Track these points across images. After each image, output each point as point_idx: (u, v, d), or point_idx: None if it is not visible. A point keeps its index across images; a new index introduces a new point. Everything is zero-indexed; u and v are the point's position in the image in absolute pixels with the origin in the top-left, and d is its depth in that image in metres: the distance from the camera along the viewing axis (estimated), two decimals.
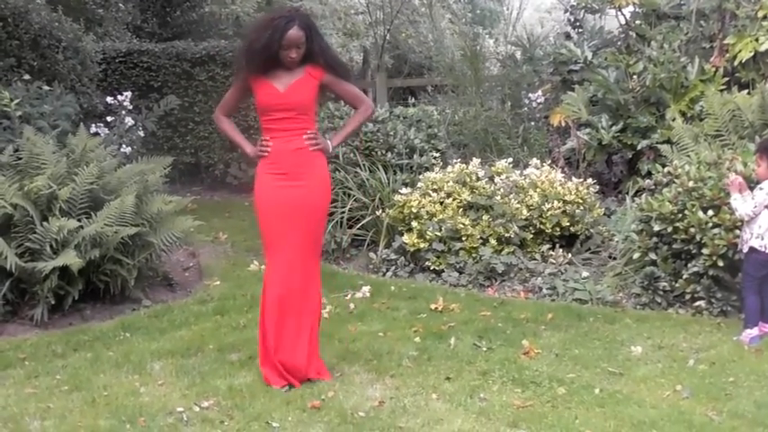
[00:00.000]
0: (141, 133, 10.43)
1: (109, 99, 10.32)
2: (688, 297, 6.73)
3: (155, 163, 8.23)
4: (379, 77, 15.38)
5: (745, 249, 6.06)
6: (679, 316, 6.67)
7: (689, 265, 6.68)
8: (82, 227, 6.91)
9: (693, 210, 6.57)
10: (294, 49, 5.15)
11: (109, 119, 10.06)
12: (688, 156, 7.84)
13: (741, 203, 5.97)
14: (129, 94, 10.39)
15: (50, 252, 6.79)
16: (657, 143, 8.90)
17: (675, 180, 6.93)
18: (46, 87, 8.81)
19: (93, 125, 9.62)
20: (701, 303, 6.65)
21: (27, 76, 8.94)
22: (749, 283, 6.07)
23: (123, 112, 10.18)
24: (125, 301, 7.37)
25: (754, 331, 5.99)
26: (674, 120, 8.86)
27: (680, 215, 6.66)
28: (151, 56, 13.37)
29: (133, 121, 10.19)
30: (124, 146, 9.61)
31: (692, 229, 6.54)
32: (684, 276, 6.69)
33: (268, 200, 5.32)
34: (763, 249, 5.95)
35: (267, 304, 5.32)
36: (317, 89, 5.33)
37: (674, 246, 6.76)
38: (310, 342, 5.38)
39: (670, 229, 6.72)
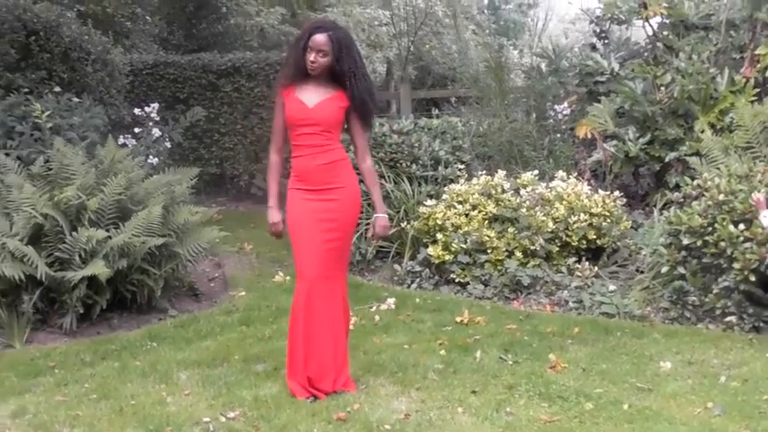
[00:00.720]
0: (168, 144, 10.49)
1: (136, 110, 10.38)
2: (718, 312, 6.65)
3: (181, 174, 8.29)
4: (403, 89, 15.40)
5: None
6: (709, 331, 6.60)
7: (719, 279, 6.63)
8: (110, 237, 6.96)
9: (724, 223, 6.52)
10: (315, 53, 5.18)
11: (136, 130, 10.13)
12: (718, 168, 7.77)
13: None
14: (155, 105, 10.46)
15: (79, 262, 6.85)
16: (686, 155, 8.84)
17: (705, 193, 6.89)
18: (75, 99, 8.87)
19: (121, 136, 9.69)
20: (732, 319, 6.57)
21: (57, 89, 9.00)
22: None
23: (150, 124, 10.24)
24: (152, 311, 7.42)
25: None
26: (702, 132, 8.78)
27: (710, 229, 6.62)
28: (177, 68, 13.45)
29: (160, 133, 10.25)
30: (151, 157, 9.66)
31: (723, 243, 6.50)
32: (714, 291, 6.64)
33: (297, 215, 5.34)
34: None
35: (296, 318, 5.33)
36: (344, 113, 5.34)
37: (704, 260, 6.72)
38: (340, 355, 5.40)
39: (699, 243, 6.67)
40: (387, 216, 5.58)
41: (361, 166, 5.52)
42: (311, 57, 5.18)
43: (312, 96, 5.28)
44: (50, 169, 7.44)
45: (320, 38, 5.17)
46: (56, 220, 6.89)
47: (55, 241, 6.92)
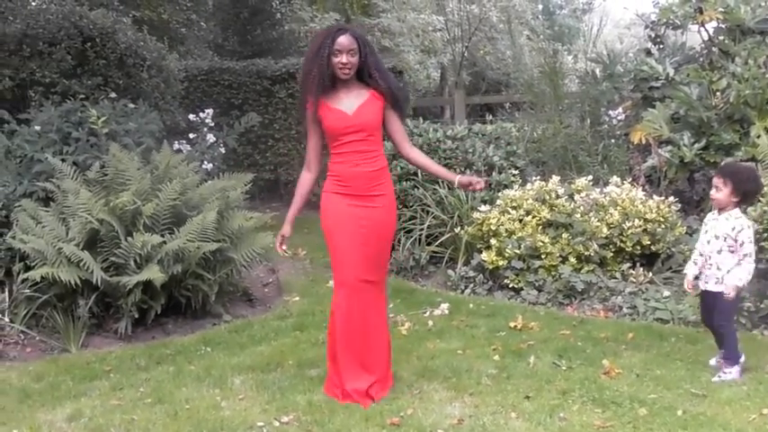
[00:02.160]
0: (222, 150, 10.56)
1: (191, 116, 10.47)
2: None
3: (235, 179, 8.34)
4: (458, 94, 15.39)
5: (720, 288, 5.63)
6: (764, 337, 6.53)
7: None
8: (165, 242, 7.03)
9: None
10: (345, 54, 5.14)
11: (191, 136, 10.21)
12: None
13: (744, 273, 5.54)
14: (210, 111, 10.54)
15: (134, 267, 6.93)
16: (741, 161, 8.74)
17: (761, 199, 6.82)
18: (131, 105, 8.98)
19: (176, 142, 9.79)
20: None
21: (113, 95, 9.12)
22: (731, 318, 5.79)
23: (205, 129, 10.32)
24: (206, 316, 7.48)
25: (739, 365, 5.67)
26: (758, 137, 8.69)
27: (765, 234, 6.55)
28: (232, 74, 13.57)
29: (214, 138, 10.33)
30: (206, 162, 9.74)
31: None
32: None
33: (340, 220, 5.31)
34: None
35: (338, 328, 5.36)
36: (382, 111, 5.33)
37: (760, 266, 6.64)
38: (383, 363, 5.44)
39: (756, 249, 6.60)
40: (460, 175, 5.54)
41: (411, 153, 5.54)
42: (342, 59, 5.15)
43: (348, 103, 5.25)
44: (106, 175, 7.53)
45: (346, 39, 5.15)
46: (111, 225, 6.97)
47: (110, 246, 7.01)
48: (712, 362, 5.85)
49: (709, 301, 5.72)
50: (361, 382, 5.33)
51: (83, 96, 8.87)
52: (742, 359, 5.71)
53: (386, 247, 5.46)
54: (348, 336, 5.32)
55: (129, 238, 6.93)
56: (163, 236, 7.11)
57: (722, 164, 6.39)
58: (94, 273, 6.73)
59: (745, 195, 5.60)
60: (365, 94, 5.29)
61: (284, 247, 5.57)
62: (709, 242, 5.64)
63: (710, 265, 5.65)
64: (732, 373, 5.63)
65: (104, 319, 7.15)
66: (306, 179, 5.52)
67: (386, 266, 5.53)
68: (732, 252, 5.54)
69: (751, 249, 5.55)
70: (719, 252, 5.58)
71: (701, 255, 5.71)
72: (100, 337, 7.01)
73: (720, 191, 5.58)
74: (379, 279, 5.39)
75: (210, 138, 10.25)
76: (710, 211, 5.81)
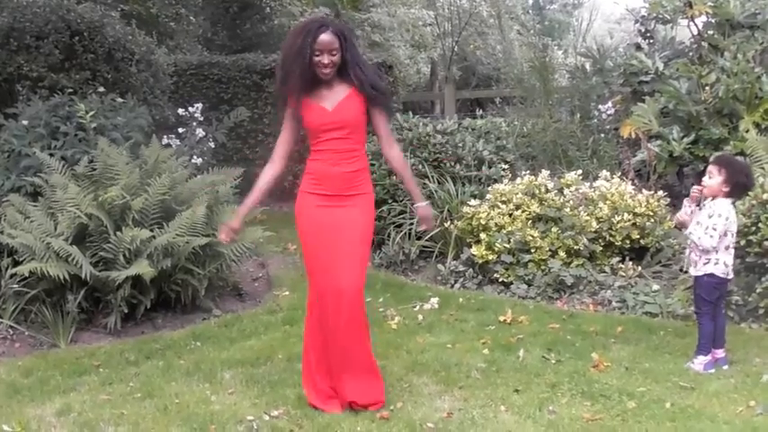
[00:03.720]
0: (212, 144, 10.56)
1: (180, 111, 10.46)
2: (762, 311, 6.59)
3: (225, 174, 8.33)
4: (447, 89, 15.40)
5: (699, 273, 5.71)
6: (752, 331, 6.54)
7: (762, 279, 6.57)
8: (154, 237, 7.02)
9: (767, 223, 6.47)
10: (326, 54, 4.89)
11: (180, 130, 10.21)
12: (762, 168, 7.70)
13: (706, 239, 5.58)
14: (199, 105, 10.54)
15: (124, 261, 6.91)
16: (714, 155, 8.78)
17: (749, 193, 6.84)
18: (119, 99, 8.95)
19: (165, 136, 9.77)
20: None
21: (101, 89, 9.09)
22: (705, 308, 5.76)
23: (194, 124, 10.32)
24: (196, 311, 7.47)
25: (708, 358, 5.71)
26: (747, 131, 8.71)
27: (753, 228, 6.56)
28: (221, 68, 13.54)
29: (204, 133, 10.33)
30: (195, 157, 9.73)
31: (766, 243, 6.44)
32: (758, 290, 6.57)
33: (312, 221, 5.10)
34: (717, 273, 5.68)
35: (311, 330, 5.20)
36: (364, 107, 5.09)
37: (747, 259, 6.66)
38: (368, 365, 5.21)
39: (743, 243, 6.60)
40: (426, 204, 5.40)
41: (390, 153, 5.24)
42: (324, 60, 4.90)
43: (329, 99, 5.03)
44: (95, 169, 7.50)
45: (327, 37, 4.89)
46: (100, 219, 6.95)
47: (99, 241, 6.99)
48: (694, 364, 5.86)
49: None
50: (324, 388, 5.21)
51: (71, 91, 8.84)
52: (720, 354, 5.77)
53: (361, 249, 5.12)
54: (325, 342, 5.12)
55: (118, 233, 6.90)
56: (152, 230, 7.10)
57: (718, 154, 6.41)
58: (83, 267, 6.72)
59: (735, 187, 5.63)
60: (346, 89, 5.05)
61: (227, 239, 5.41)
62: (690, 233, 5.72)
63: (690, 248, 5.80)
64: (695, 363, 5.71)
65: (93, 314, 7.14)
66: (267, 173, 5.27)
67: (364, 269, 5.17)
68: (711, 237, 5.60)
69: (721, 229, 5.60)
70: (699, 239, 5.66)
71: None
72: (89, 333, 7.00)
73: (713, 178, 5.63)
74: (357, 282, 5.06)
75: (200, 132, 10.24)
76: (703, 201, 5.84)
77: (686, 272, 5.98)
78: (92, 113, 8.12)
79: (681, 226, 6.12)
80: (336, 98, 5.04)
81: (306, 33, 4.93)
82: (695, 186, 5.87)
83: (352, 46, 5.05)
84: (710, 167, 5.71)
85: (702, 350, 5.74)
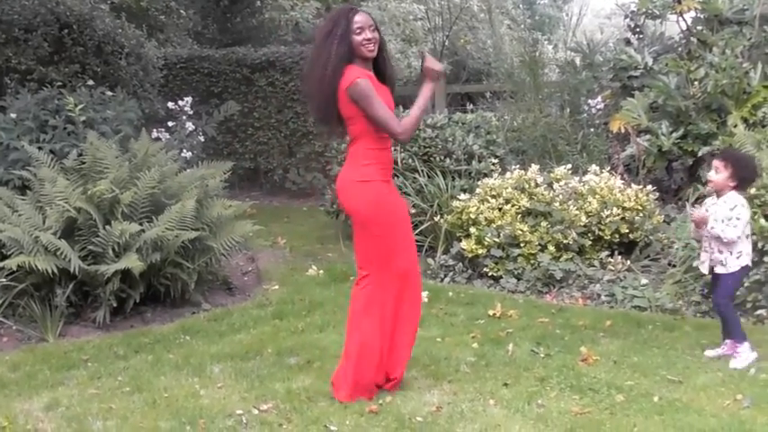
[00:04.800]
0: (202, 138, 10.53)
1: (170, 104, 10.43)
2: (749, 305, 6.62)
3: (215, 168, 8.30)
4: (438, 83, 15.36)
5: (734, 269, 5.67)
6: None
7: (750, 273, 6.59)
8: (143, 231, 7.00)
9: (755, 217, 6.48)
10: (369, 31, 4.89)
11: (170, 124, 10.17)
12: None
13: (729, 230, 5.55)
14: (189, 99, 10.50)
15: (113, 255, 6.88)
16: (718, 150, 8.79)
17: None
18: (109, 93, 8.93)
19: (155, 130, 9.74)
20: (763, 312, 6.54)
21: (91, 82, 9.07)
22: (730, 302, 5.80)
23: (184, 118, 10.28)
24: (185, 305, 7.45)
25: (747, 342, 5.71)
26: (735, 126, 8.74)
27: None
28: (211, 62, 13.52)
29: (194, 127, 10.29)
30: (185, 151, 9.70)
31: (754, 237, 6.46)
32: (746, 284, 6.58)
33: (396, 207, 5.15)
34: (748, 262, 5.70)
35: (383, 321, 5.15)
36: None
37: None
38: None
39: None
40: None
41: (404, 120, 5.04)
42: (368, 35, 4.89)
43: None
44: (84, 163, 7.48)
45: (364, 16, 4.92)
46: (89, 213, 6.93)
47: (88, 235, 6.97)
48: (711, 353, 5.85)
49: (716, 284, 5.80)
50: (401, 370, 5.32)
51: (60, 84, 8.82)
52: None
53: None
54: (385, 332, 5.16)
55: (108, 227, 6.88)
56: (141, 224, 7.08)
57: (723, 148, 6.40)
58: (72, 261, 6.69)
59: (741, 181, 5.66)
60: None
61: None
62: (712, 228, 5.63)
63: (712, 249, 5.71)
64: (744, 351, 5.68)
65: (82, 308, 7.10)
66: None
67: None
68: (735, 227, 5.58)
69: (743, 226, 5.60)
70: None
71: (707, 242, 5.76)
72: (78, 327, 6.97)
73: (720, 173, 5.63)
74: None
75: (189, 126, 10.21)
76: (702, 197, 5.85)
77: (706, 274, 5.88)
78: (81, 107, 8.10)
79: (697, 238, 6.07)
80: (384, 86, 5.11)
81: (338, 18, 4.95)
82: (695, 213, 5.80)
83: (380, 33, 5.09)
84: (716, 162, 5.69)
85: (741, 338, 5.71)
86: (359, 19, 4.89)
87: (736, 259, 5.65)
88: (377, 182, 5.04)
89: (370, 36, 4.91)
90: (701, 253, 5.85)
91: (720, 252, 5.67)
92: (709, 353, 5.84)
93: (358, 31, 4.88)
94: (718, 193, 5.70)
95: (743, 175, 5.64)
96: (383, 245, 5.07)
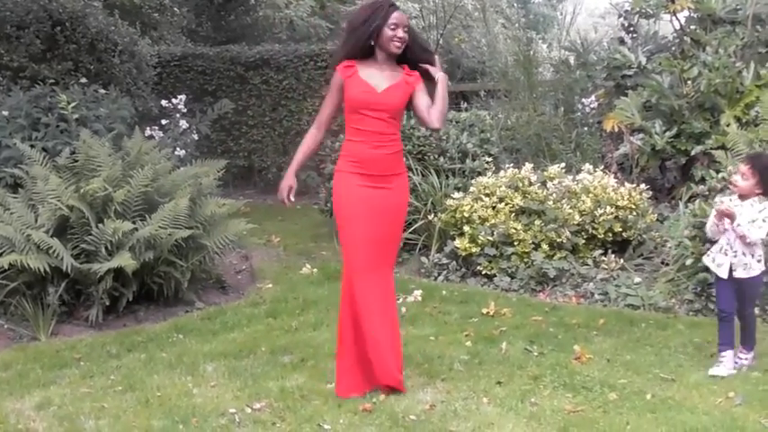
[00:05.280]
0: (195, 136, 10.53)
1: (164, 102, 10.43)
2: None
3: (208, 166, 8.29)
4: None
5: (757, 272, 5.59)
6: None
7: None
8: (136, 229, 6.98)
9: None
10: (401, 29, 5.04)
11: (163, 122, 10.17)
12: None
13: (755, 230, 5.45)
14: (183, 97, 10.50)
15: (105, 254, 6.87)
16: (712, 149, 8.79)
17: (730, 186, 6.85)
18: (102, 91, 8.92)
19: (148, 128, 9.73)
20: (755, 310, 6.54)
21: (84, 80, 9.06)
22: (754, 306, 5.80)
23: (178, 116, 10.28)
24: (178, 303, 7.44)
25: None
26: (728, 125, 8.75)
27: None
28: (205, 59, 13.53)
29: (187, 125, 10.29)
30: (178, 149, 9.70)
31: None
32: None
33: (353, 202, 5.17)
34: (760, 272, 5.61)
35: (346, 313, 5.21)
36: (407, 98, 5.18)
37: None
38: (396, 349, 5.27)
39: None
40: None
41: (431, 112, 5.16)
42: (398, 33, 5.05)
43: (380, 81, 5.12)
44: (76, 161, 7.46)
45: (401, 15, 5.07)
46: (82, 211, 6.91)
47: (81, 233, 6.95)
48: (728, 365, 5.65)
49: (738, 288, 5.61)
50: (379, 369, 5.20)
51: (52, 81, 8.80)
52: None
53: (397, 230, 5.33)
54: (358, 324, 5.17)
55: (100, 225, 6.87)
56: (134, 222, 7.06)
57: (752, 153, 6.32)
58: (64, 260, 6.68)
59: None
60: (398, 76, 5.16)
61: (291, 198, 5.33)
62: (738, 225, 5.50)
63: (735, 252, 5.57)
64: (748, 358, 5.66)
65: (75, 307, 7.09)
66: (312, 135, 5.35)
67: (395, 252, 5.38)
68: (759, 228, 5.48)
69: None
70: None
71: (728, 243, 5.61)
72: (70, 325, 6.95)
73: (747, 180, 5.50)
74: (389, 264, 5.27)
75: (183, 124, 10.20)
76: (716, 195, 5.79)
77: (730, 277, 5.78)
78: (74, 104, 8.09)
79: (713, 237, 6.00)
80: (387, 82, 5.14)
81: (378, 9, 5.09)
82: (722, 206, 5.60)
83: (414, 32, 5.25)
84: (743, 168, 5.55)
85: (752, 344, 5.70)
86: (396, 16, 5.06)
87: (758, 262, 5.57)
88: (344, 173, 5.20)
89: (402, 35, 5.07)
90: (718, 255, 5.66)
91: (744, 255, 5.55)
92: (727, 366, 5.64)
93: (393, 27, 5.06)
94: (742, 197, 5.58)
95: None
96: (341, 237, 5.28)
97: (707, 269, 6.65)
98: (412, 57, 5.22)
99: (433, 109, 5.17)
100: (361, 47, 5.11)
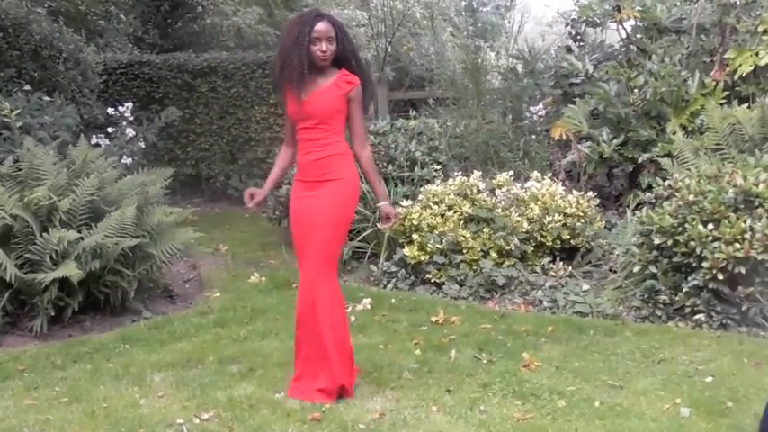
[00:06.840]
0: (142, 144, 10.45)
1: (110, 110, 10.33)
2: (688, 310, 6.70)
3: (155, 174, 8.23)
4: (381, 90, 15.38)
5: None
6: (679, 329, 6.62)
7: (689, 278, 6.67)
8: (82, 238, 6.90)
9: (694, 223, 6.56)
10: (324, 42, 5.02)
11: (110, 130, 10.07)
12: (688, 169, 7.84)
13: None
14: (129, 105, 10.41)
15: (50, 263, 6.78)
16: (658, 157, 8.91)
17: (676, 194, 6.94)
18: (46, 98, 8.82)
19: (94, 136, 9.64)
20: (701, 317, 6.61)
21: (27, 87, 8.95)
22: None
23: (124, 124, 10.20)
24: (125, 313, 7.36)
25: None
26: (674, 133, 8.86)
27: (680, 228, 6.66)
28: (152, 67, 13.42)
29: (134, 133, 10.21)
30: (125, 157, 9.61)
31: (693, 243, 6.54)
32: (684, 290, 6.68)
33: (294, 210, 5.34)
34: None
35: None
36: (343, 100, 5.16)
37: (675, 259, 6.76)
38: (340, 358, 5.27)
39: (670, 243, 6.72)
40: (388, 203, 5.52)
41: (361, 152, 5.32)
42: (322, 47, 5.03)
43: (307, 90, 5.11)
44: (20, 169, 7.36)
45: (324, 26, 5.04)
46: (26, 221, 6.82)
47: (25, 242, 6.85)
48: None
49: None
50: (318, 381, 5.26)
51: None
52: None
53: (331, 238, 5.20)
54: (297, 334, 5.31)
55: (45, 234, 6.78)
56: (80, 232, 6.98)
57: None
58: (8, 270, 6.57)
59: None
60: (326, 81, 5.14)
61: (253, 201, 5.35)
62: None
63: None
64: None
65: (18, 318, 6.97)
66: (282, 152, 5.50)
67: (335, 256, 5.29)
68: None
69: None
70: None
71: None
72: (14, 336, 6.83)
73: None
74: (326, 269, 5.18)
75: (130, 132, 10.12)
76: None
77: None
78: (17, 112, 8.00)
79: None
80: (313, 89, 5.13)
81: (303, 23, 5.09)
82: None
83: (348, 40, 5.23)
84: None
85: None
86: (319, 28, 5.04)
87: None
88: (294, 180, 5.39)
89: (325, 48, 5.05)
90: None
91: None
92: None
93: (315, 41, 5.04)
94: None
95: None
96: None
97: (654, 276, 6.75)
98: (344, 62, 5.22)
99: (365, 160, 5.38)
100: (303, 69, 5.04)
